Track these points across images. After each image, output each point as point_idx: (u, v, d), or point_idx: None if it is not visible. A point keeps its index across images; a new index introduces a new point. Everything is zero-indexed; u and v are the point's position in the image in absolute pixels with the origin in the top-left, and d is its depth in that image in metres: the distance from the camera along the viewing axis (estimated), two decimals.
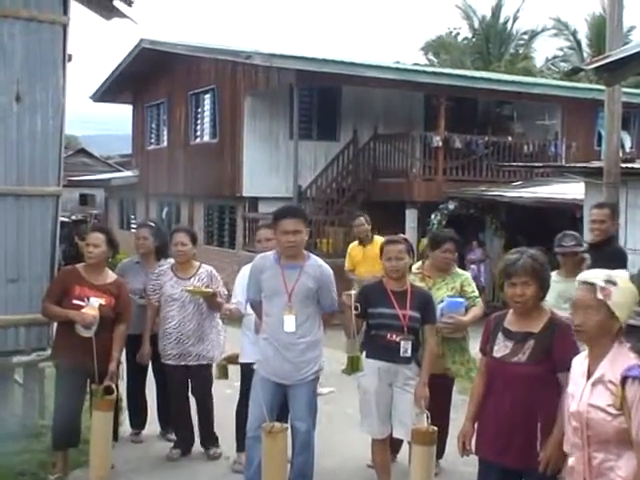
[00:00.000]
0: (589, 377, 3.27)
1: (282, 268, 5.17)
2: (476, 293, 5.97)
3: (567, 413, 3.39)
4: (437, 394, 5.35)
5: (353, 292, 5.29)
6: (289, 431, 5.13)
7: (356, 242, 9.90)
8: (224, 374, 6.04)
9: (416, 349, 5.22)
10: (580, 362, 3.41)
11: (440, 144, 16.57)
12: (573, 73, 13.56)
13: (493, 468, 4.03)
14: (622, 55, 4.15)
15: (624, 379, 3.08)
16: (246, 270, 5.92)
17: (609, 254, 6.03)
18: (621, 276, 3.37)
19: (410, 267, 5.32)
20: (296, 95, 15.76)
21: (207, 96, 19.16)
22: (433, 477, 5.10)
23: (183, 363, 6.20)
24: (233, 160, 17.71)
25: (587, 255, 6.02)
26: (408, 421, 5.13)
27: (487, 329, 4.15)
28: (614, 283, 3.28)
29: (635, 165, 11.14)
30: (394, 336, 5.15)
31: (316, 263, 5.29)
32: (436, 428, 5.07)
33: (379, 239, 9.57)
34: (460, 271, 6.10)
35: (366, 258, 9.34)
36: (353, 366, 5.26)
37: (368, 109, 17.81)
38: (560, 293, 5.39)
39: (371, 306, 5.22)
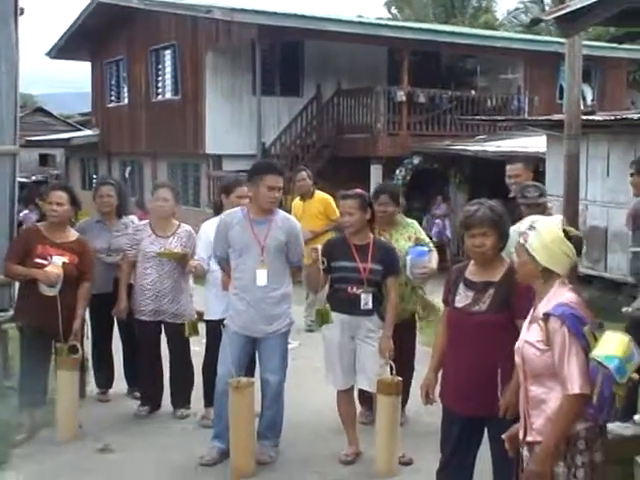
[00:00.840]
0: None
1: (251, 223, 5.23)
2: (428, 239, 6.13)
3: None
4: (401, 342, 5.43)
5: (319, 247, 5.32)
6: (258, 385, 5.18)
7: (297, 198, 9.74)
8: (195, 330, 6.02)
9: (379, 302, 5.25)
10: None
11: (404, 99, 16.54)
12: (533, 24, 13.58)
13: (456, 416, 4.09)
14: (581, 5, 4.16)
15: (546, 315, 3.23)
16: (206, 227, 5.97)
17: None
18: (545, 221, 3.42)
19: (369, 221, 5.30)
20: (258, 50, 15.59)
21: (167, 52, 18.87)
22: (398, 427, 5.20)
23: (158, 319, 6.16)
24: (196, 117, 17.54)
25: (550, 205, 6.06)
26: (372, 372, 5.19)
27: (449, 280, 4.20)
28: (534, 227, 3.36)
29: (596, 117, 11.23)
30: (355, 289, 5.19)
31: (284, 217, 5.41)
32: (400, 379, 5.16)
33: (320, 194, 9.61)
34: (408, 220, 6.15)
35: (306, 213, 9.27)
36: (323, 318, 5.27)
37: (331, 64, 17.67)
38: None
39: (333, 260, 5.25)
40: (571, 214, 8.17)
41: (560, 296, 3.30)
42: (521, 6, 33.22)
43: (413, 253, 5.71)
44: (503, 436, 3.60)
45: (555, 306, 3.24)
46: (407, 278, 5.72)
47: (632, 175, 6.10)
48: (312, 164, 16.49)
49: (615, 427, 4.60)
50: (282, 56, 17.71)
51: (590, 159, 11.06)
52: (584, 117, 10.04)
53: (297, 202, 9.68)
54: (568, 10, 4.34)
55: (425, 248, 5.81)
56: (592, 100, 19.50)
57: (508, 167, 6.47)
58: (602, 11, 4.16)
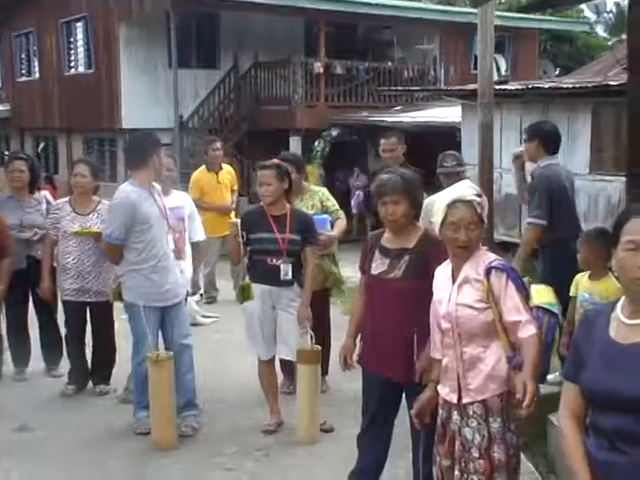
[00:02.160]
0: (454, 281, 3.44)
1: (154, 195, 5.35)
2: (337, 206, 6.10)
3: (436, 319, 3.55)
4: (317, 310, 5.50)
5: (237, 220, 5.32)
6: None
7: (202, 168, 9.53)
8: (118, 296, 5.90)
9: (299, 271, 5.28)
10: (443, 270, 3.57)
11: (321, 70, 16.55)
12: None
13: (376, 382, 4.15)
14: None
15: (488, 271, 3.31)
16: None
17: None
18: (476, 187, 3.53)
19: (286, 191, 5.31)
20: (173, 22, 15.34)
21: (79, 24, 18.38)
22: (319, 394, 5.26)
23: (82, 299, 6.06)
24: (110, 91, 17.17)
25: (468, 174, 6.13)
26: (292, 341, 5.23)
27: (365, 248, 4.23)
28: (480, 195, 3.44)
29: (509, 87, 11.45)
30: (274, 260, 5.19)
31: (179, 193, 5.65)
32: (320, 347, 5.23)
33: (226, 166, 9.60)
34: (316, 188, 6.18)
35: (220, 185, 9.25)
36: (244, 294, 5.28)
37: (248, 36, 17.49)
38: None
39: (251, 232, 5.24)
40: (486, 182, 8.31)
41: (487, 256, 3.43)
42: None
43: (317, 222, 5.66)
44: (412, 412, 3.69)
45: (491, 262, 3.36)
46: None
47: (525, 141, 6.16)
48: (230, 137, 16.44)
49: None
50: (198, 28, 17.48)
51: (504, 128, 11.28)
52: (497, 86, 10.22)
53: (205, 173, 9.45)
54: None
55: (324, 215, 5.81)
56: (506, 70, 19.86)
57: (383, 141, 6.53)
58: None
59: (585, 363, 2.50)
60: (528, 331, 3.29)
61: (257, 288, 5.27)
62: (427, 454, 3.83)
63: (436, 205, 3.51)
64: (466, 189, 3.47)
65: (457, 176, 5.78)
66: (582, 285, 4.87)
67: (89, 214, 6.08)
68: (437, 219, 3.47)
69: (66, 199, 6.25)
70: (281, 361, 5.66)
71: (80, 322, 6.19)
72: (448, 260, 3.56)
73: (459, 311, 3.38)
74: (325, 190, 6.17)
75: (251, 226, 5.27)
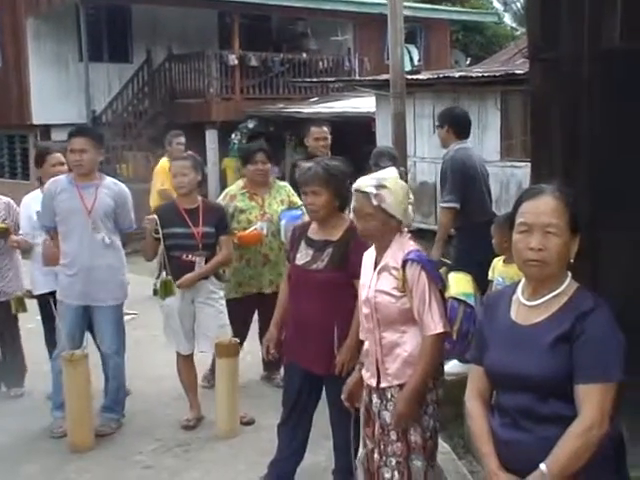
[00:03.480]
0: (376, 267, 3.49)
1: (78, 188, 5.14)
2: (300, 201, 6.01)
3: (360, 303, 3.60)
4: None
5: (155, 217, 5.25)
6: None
7: (165, 160, 9.42)
8: (21, 306, 5.79)
9: None
10: (370, 256, 3.60)
11: (236, 62, 16.48)
12: None
13: (296, 373, 4.17)
14: None
15: (404, 262, 3.36)
16: (28, 200, 5.84)
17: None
18: (389, 177, 3.48)
19: (199, 183, 5.28)
20: (83, 15, 15.06)
21: None
22: (238, 388, 5.25)
23: None
24: (20, 86, 16.71)
25: (403, 169, 6.11)
26: (212, 334, 5.21)
27: (292, 238, 4.26)
28: (384, 187, 3.40)
29: (421, 77, 11.63)
30: (190, 255, 5.16)
31: (112, 181, 5.35)
32: (238, 340, 5.23)
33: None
34: (281, 183, 6.10)
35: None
36: (166, 290, 5.21)
37: (161, 29, 17.28)
38: None
39: (165, 227, 5.17)
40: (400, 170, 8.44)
41: (407, 245, 3.45)
42: None
43: (286, 217, 5.65)
44: (342, 396, 3.71)
45: (408, 253, 3.38)
46: (282, 243, 5.66)
47: (437, 127, 6.30)
48: (146, 131, 16.22)
49: (449, 368, 4.83)
50: (109, 21, 17.16)
51: (417, 117, 11.47)
52: (409, 76, 10.39)
53: (167, 163, 9.24)
54: None
55: (298, 212, 5.71)
56: (419, 60, 20.13)
57: (315, 129, 6.54)
58: None
59: (488, 345, 2.58)
60: (429, 330, 3.33)
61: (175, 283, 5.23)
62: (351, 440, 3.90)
63: None
64: (367, 180, 3.46)
65: None
66: (497, 269, 4.99)
67: None
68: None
69: None
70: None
71: None
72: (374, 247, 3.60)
73: (377, 297, 3.42)
74: (288, 185, 6.07)
75: (164, 221, 5.20)
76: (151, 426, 5.38)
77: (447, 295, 3.50)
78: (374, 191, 3.40)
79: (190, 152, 5.38)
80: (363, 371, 3.63)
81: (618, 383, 2.36)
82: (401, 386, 3.41)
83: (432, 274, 3.38)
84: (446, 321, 3.39)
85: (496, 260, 5.04)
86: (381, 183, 3.42)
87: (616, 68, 3.84)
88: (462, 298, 3.52)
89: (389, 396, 3.45)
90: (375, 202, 3.38)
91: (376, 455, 3.50)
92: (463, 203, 5.87)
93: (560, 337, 2.38)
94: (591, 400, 2.32)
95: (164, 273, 5.22)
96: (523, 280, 2.57)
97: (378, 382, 3.49)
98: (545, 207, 2.43)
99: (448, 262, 5.22)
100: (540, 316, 2.46)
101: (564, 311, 2.43)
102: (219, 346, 5.16)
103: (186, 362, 5.43)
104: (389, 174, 3.50)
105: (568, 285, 2.47)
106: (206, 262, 5.18)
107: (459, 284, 3.67)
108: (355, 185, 3.47)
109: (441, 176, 6.15)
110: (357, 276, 3.72)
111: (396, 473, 3.42)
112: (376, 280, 3.45)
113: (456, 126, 6.09)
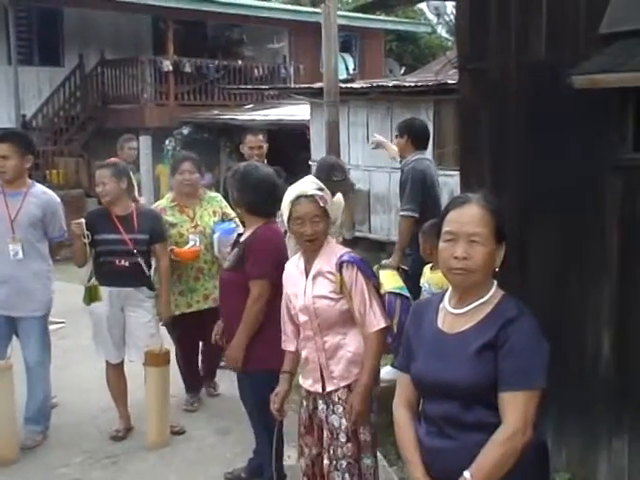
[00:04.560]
0: (307, 275, 3.52)
1: (3, 195, 5.03)
2: (233, 212, 5.83)
3: (289, 312, 3.65)
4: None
5: (82, 220, 5.16)
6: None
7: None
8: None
9: (147, 271, 5.19)
10: (295, 265, 3.63)
11: (170, 68, 16.36)
12: None
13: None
14: None
15: (340, 265, 3.41)
16: None
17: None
18: (317, 181, 3.60)
19: (128, 190, 5.20)
20: (12, 17, 14.76)
21: None
22: (168, 397, 5.18)
23: None
24: None
25: (353, 182, 6.08)
26: (142, 344, 5.13)
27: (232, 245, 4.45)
28: (323, 189, 3.53)
29: (354, 85, 11.71)
30: (122, 261, 5.09)
31: (41, 190, 5.21)
32: (168, 349, 5.16)
33: None
34: (212, 193, 6.01)
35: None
36: (91, 296, 5.12)
37: (93, 33, 17.01)
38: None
39: (96, 233, 5.10)
40: None
41: (337, 249, 3.53)
42: None
43: (220, 230, 5.52)
44: (273, 406, 3.67)
45: (341, 255, 3.45)
46: (214, 256, 5.59)
47: (396, 137, 6.37)
48: (77, 137, 15.96)
49: (383, 374, 4.83)
50: (40, 24, 16.82)
51: (351, 125, 11.53)
52: (343, 85, 10.45)
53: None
54: None
55: (232, 225, 5.62)
56: (354, 69, 20.27)
57: (251, 138, 6.52)
58: None
59: (415, 353, 2.59)
60: (372, 327, 3.41)
61: (105, 290, 5.13)
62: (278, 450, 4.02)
63: (283, 203, 3.56)
64: (308, 184, 3.55)
65: (346, 188, 5.69)
66: (425, 276, 5.05)
67: None
68: (284, 216, 3.55)
69: None
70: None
71: None
72: (299, 255, 3.63)
73: (316, 303, 3.45)
74: (220, 196, 5.96)
75: (96, 227, 5.13)
76: (78, 438, 5.26)
77: (382, 291, 3.57)
78: (319, 193, 3.49)
79: (114, 159, 5.28)
80: (300, 379, 3.66)
81: (541, 390, 2.38)
82: (348, 387, 3.46)
83: (367, 273, 3.46)
84: (386, 315, 3.48)
85: (426, 267, 5.09)
86: (320, 186, 3.54)
87: (541, 79, 3.92)
88: (397, 291, 3.59)
89: (336, 399, 3.48)
90: (322, 204, 3.48)
91: (325, 460, 3.51)
92: (421, 212, 5.94)
93: (485, 345, 2.40)
94: (515, 407, 2.34)
95: (93, 279, 5.15)
96: (450, 289, 2.59)
97: (323, 387, 3.52)
98: (470, 216, 2.45)
99: (406, 269, 5.31)
100: (466, 324, 2.48)
101: (489, 319, 2.44)
102: (149, 355, 5.08)
103: (115, 371, 5.33)
104: (312, 178, 3.66)
105: (493, 293, 2.49)
106: (140, 268, 5.11)
107: (390, 279, 3.75)
108: (297, 191, 3.50)
109: (400, 185, 6.22)
110: (250, 277, 4.02)
111: (347, 475, 3.46)
112: (312, 286, 3.48)
113: (416, 137, 6.19)
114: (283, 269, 3.79)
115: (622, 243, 3.78)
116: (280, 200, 3.65)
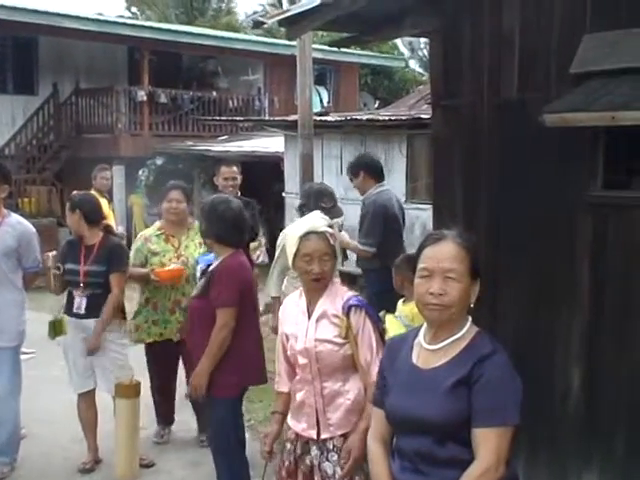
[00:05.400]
0: (310, 315, 3.37)
1: None
2: None
3: (284, 352, 3.50)
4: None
5: (52, 253, 5.17)
6: None
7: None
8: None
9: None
10: (295, 303, 3.49)
11: (145, 99, 16.39)
12: (255, 26, 14.04)
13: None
14: (299, 10, 4.37)
15: (348, 308, 3.29)
16: None
17: (245, 203, 5.85)
18: (327, 218, 3.52)
19: (95, 221, 5.21)
20: None
21: None
22: (137, 429, 5.13)
23: None
24: None
25: (337, 221, 5.72)
26: (111, 375, 5.10)
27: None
28: (332, 226, 3.43)
29: (329, 118, 11.80)
30: (80, 292, 5.13)
31: (16, 220, 5.19)
32: (139, 381, 5.12)
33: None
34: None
35: (109, 213, 8.86)
36: (56, 330, 5.11)
37: (69, 62, 17.02)
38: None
39: (65, 262, 5.17)
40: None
41: (341, 290, 3.39)
42: (260, 9, 33.91)
43: (203, 262, 5.30)
44: (263, 448, 3.54)
45: (349, 299, 3.31)
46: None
47: (351, 180, 6.38)
48: (50, 166, 15.89)
49: None
50: (15, 52, 16.79)
51: (325, 157, 11.59)
52: (318, 117, 10.53)
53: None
54: (289, 14, 4.53)
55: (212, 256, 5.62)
56: (328, 102, 20.42)
57: (225, 169, 6.53)
58: (320, 16, 4.39)
59: (389, 389, 2.59)
60: (371, 377, 3.25)
61: (69, 320, 5.16)
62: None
63: (288, 237, 3.44)
64: (318, 220, 3.42)
65: (336, 215, 5.54)
66: (398, 309, 5.06)
67: None
68: (289, 251, 3.38)
69: None
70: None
71: None
72: (300, 293, 3.48)
73: (318, 347, 3.30)
74: None
75: (66, 256, 5.20)
76: (46, 470, 5.21)
77: (387, 337, 3.44)
78: (329, 230, 3.37)
79: (75, 192, 5.31)
80: (291, 422, 3.48)
81: (515, 426, 2.39)
82: (344, 435, 3.31)
83: (374, 318, 3.36)
84: None
85: (400, 301, 5.11)
86: (330, 223, 3.43)
87: (513, 117, 3.99)
88: None
89: (331, 447, 3.33)
90: (332, 242, 3.35)
91: None
92: (382, 246, 5.95)
93: (459, 381, 2.41)
94: (488, 443, 2.35)
95: (60, 312, 5.15)
96: (425, 324, 2.61)
97: (318, 434, 3.36)
98: (446, 253, 2.47)
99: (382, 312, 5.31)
100: (440, 360, 2.49)
101: (464, 355, 2.46)
102: (118, 387, 5.05)
103: (86, 402, 5.31)
104: (318, 217, 3.50)
105: (468, 329, 2.51)
106: (93, 301, 5.08)
107: (394, 326, 3.73)
108: (307, 227, 3.34)
109: (361, 218, 6.22)
110: (217, 305, 4.09)
111: None
112: (314, 329, 3.33)
113: (371, 171, 6.22)
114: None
115: (592, 279, 3.82)
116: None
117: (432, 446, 2.42)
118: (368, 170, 6.22)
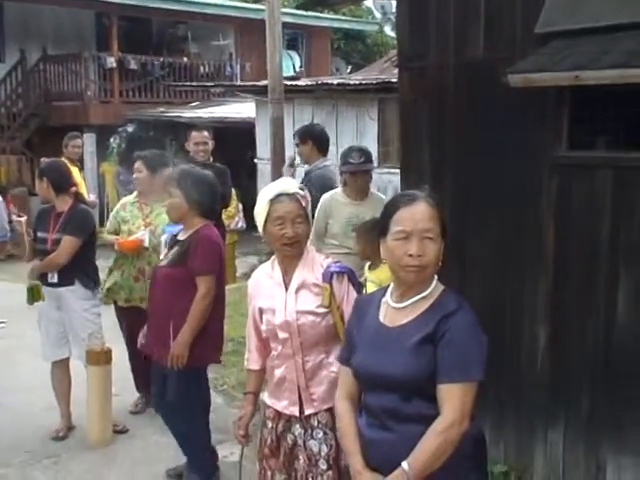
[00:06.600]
0: (287, 287, 3.19)
1: None
2: None
3: (256, 328, 3.34)
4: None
5: (25, 218, 5.14)
6: None
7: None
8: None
9: (80, 271, 5.12)
10: (268, 275, 3.28)
11: (115, 65, 16.19)
12: None
13: (156, 365, 4.35)
14: None
15: (330, 275, 3.13)
16: None
17: (216, 170, 5.77)
18: (297, 182, 3.42)
19: (64, 189, 5.16)
20: None
21: None
22: (110, 395, 5.15)
23: None
24: None
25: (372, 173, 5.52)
26: (81, 342, 5.11)
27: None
28: (303, 189, 3.24)
29: (300, 83, 11.73)
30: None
31: None
32: (110, 348, 5.13)
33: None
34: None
35: (81, 182, 8.75)
36: (34, 296, 5.09)
37: (35, 28, 16.69)
38: (349, 219, 5.19)
39: (36, 230, 5.17)
40: (278, 176, 8.46)
41: (321, 258, 3.26)
42: None
43: (169, 232, 5.23)
44: (238, 432, 3.38)
45: (329, 266, 3.16)
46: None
47: (297, 145, 6.17)
48: (19, 134, 15.69)
49: None
50: None
51: (297, 123, 11.50)
52: (289, 82, 10.46)
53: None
54: None
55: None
56: (300, 66, 20.27)
57: (196, 134, 6.45)
58: None
59: (357, 346, 2.62)
60: None
61: (45, 290, 5.13)
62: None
63: (258, 202, 3.20)
64: (288, 182, 3.30)
65: (366, 175, 5.31)
66: (367, 274, 5.04)
67: None
68: (259, 218, 3.17)
69: None
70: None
71: None
72: (273, 264, 3.27)
73: (300, 319, 3.12)
74: None
75: (37, 225, 5.19)
76: (19, 438, 5.20)
77: None
78: (301, 192, 3.20)
79: (43, 159, 5.26)
80: (269, 400, 3.31)
81: (479, 382, 2.42)
82: (329, 410, 3.11)
83: (357, 285, 3.24)
84: None
85: (365, 267, 5.04)
86: (300, 185, 3.27)
87: (479, 78, 4.00)
88: None
89: (315, 423, 3.17)
90: (303, 204, 3.17)
91: None
92: None
93: (425, 338, 2.44)
94: (452, 399, 2.38)
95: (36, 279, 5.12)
96: (392, 283, 2.62)
97: (301, 411, 3.19)
98: (422, 213, 2.48)
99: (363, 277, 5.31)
100: (407, 317, 2.51)
101: (429, 313, 2.48)
102: (90, 353, 5.06)
103: (58, 369, 5.32)
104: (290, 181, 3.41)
105: (434, 287, 2.53)
106: (63, 269, 5.05)
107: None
108: (278, 189, 3.16)
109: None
110: (198, 273, 4.11)
111: None
112: (294, 300, 3.15)
113: (319, 143, 6.10)
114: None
115: (557, 240, 3.87)
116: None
117: (398, 402, 2.46)
118: (317, 141, 6.10)
